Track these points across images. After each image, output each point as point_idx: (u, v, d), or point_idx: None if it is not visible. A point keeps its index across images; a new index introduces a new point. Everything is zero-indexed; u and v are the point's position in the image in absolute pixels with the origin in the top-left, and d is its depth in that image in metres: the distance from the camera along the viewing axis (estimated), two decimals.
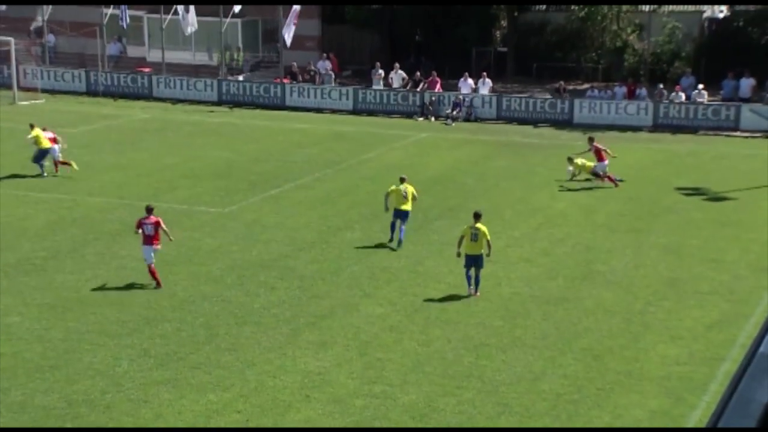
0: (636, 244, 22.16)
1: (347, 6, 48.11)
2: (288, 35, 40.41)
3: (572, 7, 47.00)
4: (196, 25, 42.06)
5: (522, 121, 38.16)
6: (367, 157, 31.23)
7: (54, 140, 27.85)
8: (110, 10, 42.42)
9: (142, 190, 26.41)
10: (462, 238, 18.59)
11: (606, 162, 27.63)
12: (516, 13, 48.51)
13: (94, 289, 18.55)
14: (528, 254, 21.40)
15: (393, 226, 21.66)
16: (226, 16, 42.05)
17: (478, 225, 18.44)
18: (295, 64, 42.79)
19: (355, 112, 39.94)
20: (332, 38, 47.40)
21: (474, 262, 18.44)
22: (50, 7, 42.90)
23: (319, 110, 40.18)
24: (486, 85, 40.38)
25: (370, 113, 39.62)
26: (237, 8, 41.84)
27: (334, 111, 39.92)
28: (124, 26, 42.69)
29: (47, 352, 15.53)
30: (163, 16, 42.52)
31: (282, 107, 40.42)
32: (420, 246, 21.64)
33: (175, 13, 41.71)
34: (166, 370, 14.98)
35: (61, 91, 41.86)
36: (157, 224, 19.04)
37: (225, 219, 23.78)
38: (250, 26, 46.73)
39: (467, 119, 38.71)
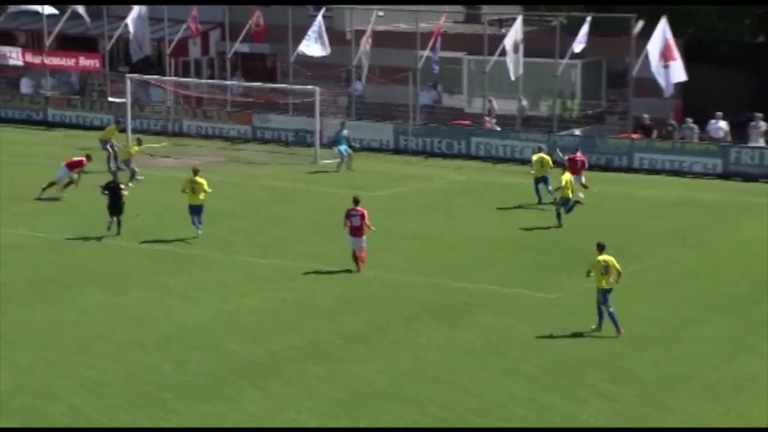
0: None
1: (716, 41, 47.00)
2: (664, 79, 40.00)
3: None
4: (521, 69, 42.92)
5: None
6: (735, 234, 30.13)
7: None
8: (426, 53, 44.36)
9: (450, 264, 27.16)
10: (590, 271, 21.69)
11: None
12: None
13: (388, 383, 19.25)
14: None
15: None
16: (562, 57, 42.60)
17: (606, 257, 21.59)
18: (646, 116, 42.32)
19: (725, 175, 38.75)
20: (696, 81, 46.31)
21: (607, 295, 21.45)
22: (361, 51, 45.35)
23: (675, 173, 39.47)
24: None
25: (746, 178, 38.26)
26: (577, 47, 42.17)
27: (695, 175, 39.00)
28: (435, 70, 44.24)
29: None
30: (486, 58, 43.75)
31: (626, 169, 40.15)
32: None
33: (502, 53, 42.77)
34: None
35: (366, 147, 44.12)
36: (362, 216, 25.81)
37: (547, 304, 23.91)
38: (592, 68, 46.95)
39: None
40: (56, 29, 49.85)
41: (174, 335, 21.79)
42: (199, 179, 29.51)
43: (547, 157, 33.75)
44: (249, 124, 47.09)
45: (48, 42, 50.16)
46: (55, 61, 50.26)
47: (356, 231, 26.22)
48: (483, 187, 37.76)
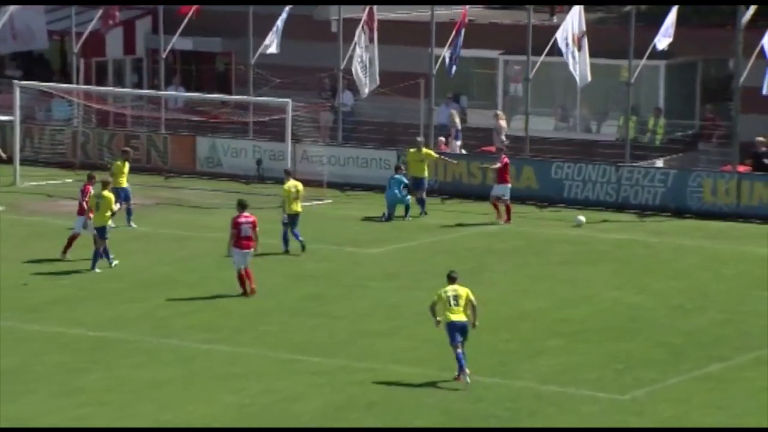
0: None
1: None
2: None
3: None
4: (588, 76, 42.91)
5: None
6: None
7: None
8: (444, 52, 44.34)
9: (483, 356, 27.17)
10: (434, 304, 24.74)
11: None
12: None
13: None
14: None
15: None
16: (639, 57, 42.52)
17: (456, 287, 24.68)
18: (761, 139, 42.27)
19: None
20: None
21: (461, 331, 24.46)
22: (349, 52, 45.19)
23: None
24: None
25: None
26: (660, 44, 42.02)
27: None
28: (453, 72, 44.12)
29: None
30: (532, 58, 43.76)
31: (734, 215, 40.28)
32: None
33: (553, 52, 42.73)
34: None
35: (357, 185, 44.03)
36: (254, 225, 30.52)
37: (623, 413, 23.94)
38: (681, 73, 46.99)
39: None
40: None
41: None
42: (106, 194, 33.82)
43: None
44: (192, 152, 47.19)
45: None
46: None
47: (245, 242, 30.80)
48: (527, 239, 37.95)
